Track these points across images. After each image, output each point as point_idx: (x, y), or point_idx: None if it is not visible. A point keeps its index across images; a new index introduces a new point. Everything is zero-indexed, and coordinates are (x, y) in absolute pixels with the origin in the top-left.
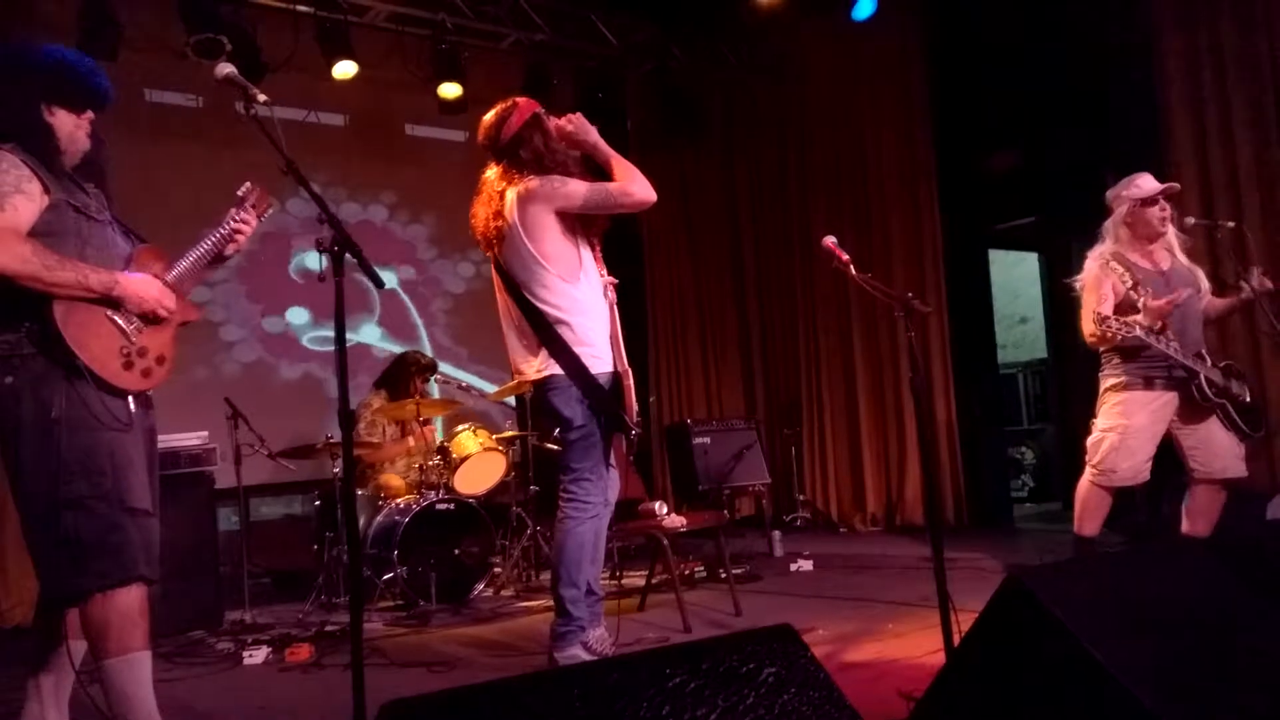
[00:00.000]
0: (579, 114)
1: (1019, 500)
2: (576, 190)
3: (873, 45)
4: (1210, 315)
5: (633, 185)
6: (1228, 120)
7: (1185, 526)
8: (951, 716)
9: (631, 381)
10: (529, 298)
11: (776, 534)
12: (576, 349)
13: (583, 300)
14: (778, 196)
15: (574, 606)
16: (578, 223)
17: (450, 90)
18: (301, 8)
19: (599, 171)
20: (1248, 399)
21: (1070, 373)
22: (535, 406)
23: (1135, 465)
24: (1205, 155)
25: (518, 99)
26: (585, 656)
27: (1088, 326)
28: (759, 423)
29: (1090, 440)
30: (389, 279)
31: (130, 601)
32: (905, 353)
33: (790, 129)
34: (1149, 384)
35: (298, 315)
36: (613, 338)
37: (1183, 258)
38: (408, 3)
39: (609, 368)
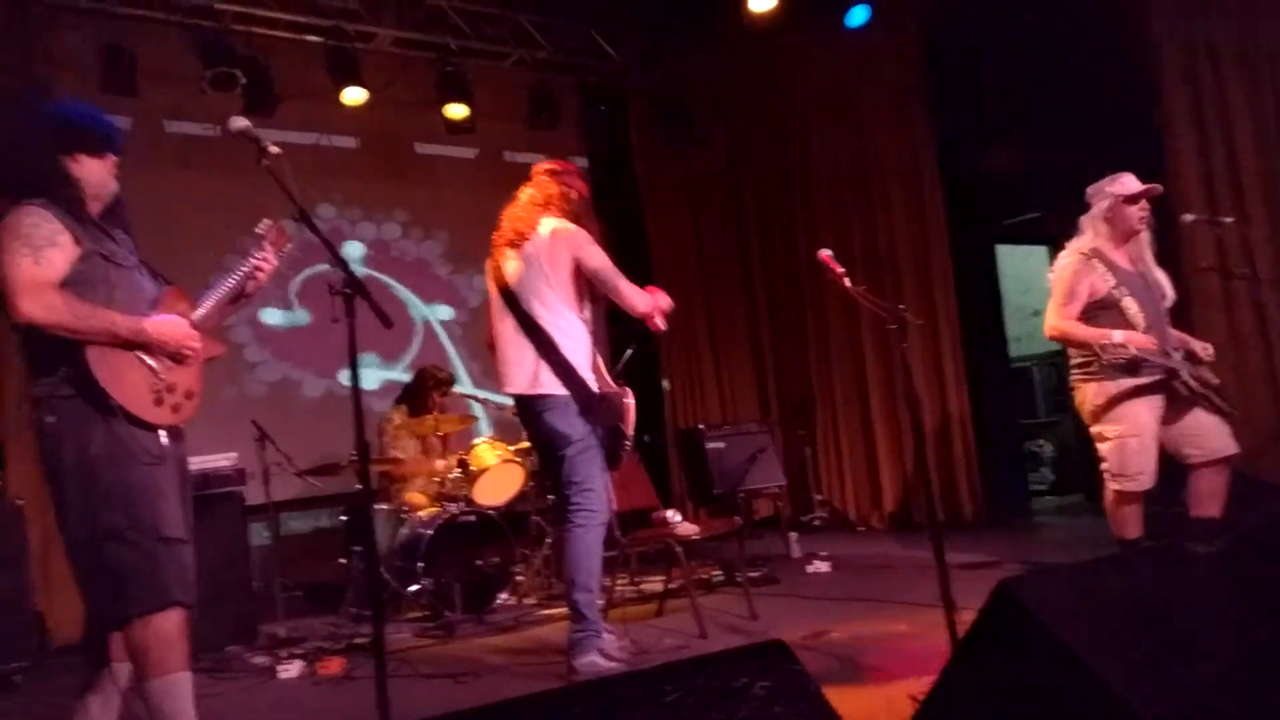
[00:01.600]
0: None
1: (1039, 494)
2: (596, 257)
3: (870, 47)
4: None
5: (635, 296)
6: (1228, 115)
7: (1196, 510)
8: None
9: (633, 400)
10: (533, 314)
11: (793, 536)
12: (574, 366)
13: (578, 330)
14: (782, 199)
15: (589, 610)
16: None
17: (457, 111)
18: (311, 38)
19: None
20: (1216, 381)
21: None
22: (525, 421)
23: (1154, 463)
24: (1207, 149)
25: (580, 171)
26: (603, 663)
27: (1051, 320)
28: (773, 424)
29: (1106, 449)
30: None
31: (168, 626)
32: (905, 358)
33: (792, 132)
34: (1137, 378)
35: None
36: (596, 367)
37: (1152, 263)
38: (412, 27)
39: (597, 389)
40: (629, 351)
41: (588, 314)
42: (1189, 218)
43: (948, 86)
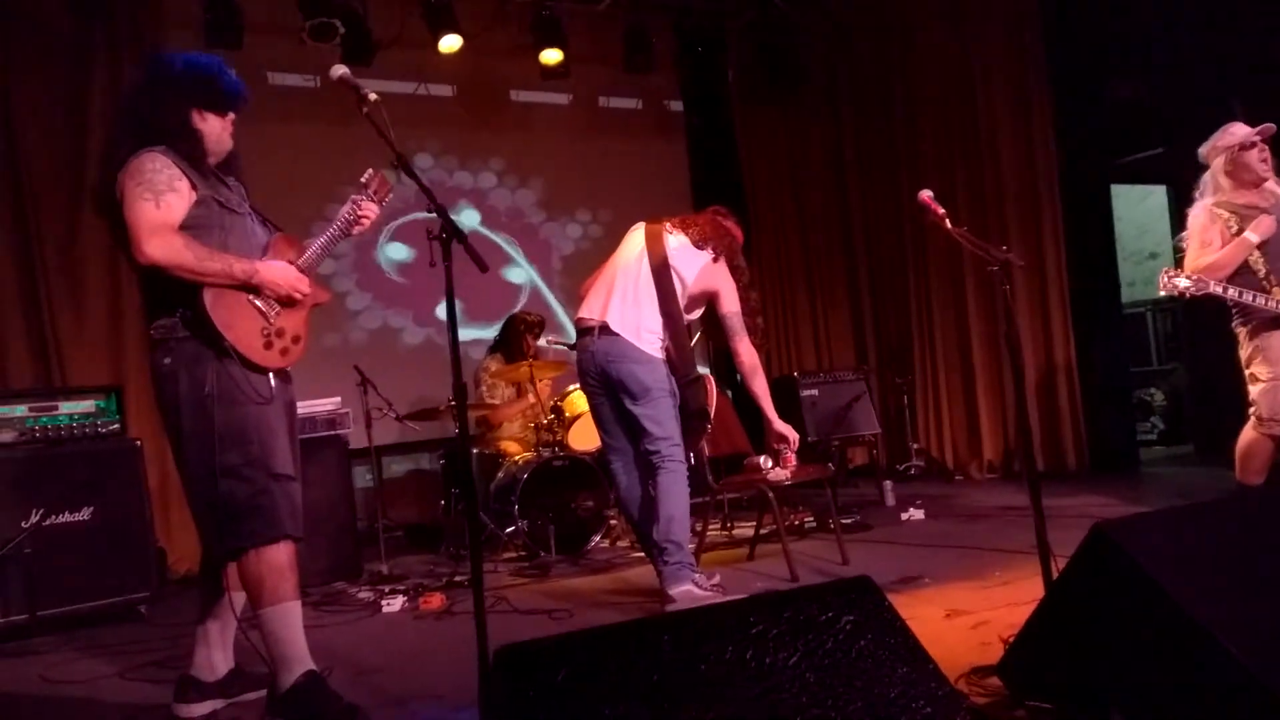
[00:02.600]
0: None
1: (1147, 443)
2: (734, 302)
3: None
4: None
5: (750, 355)
6: None
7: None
8: (1039, 661)
9: (713, 384)
10: (674, 291)
11: (889, 483)
12: (677, 349)
13: (682, 333)
14: (884, 139)
15: (680, 548)
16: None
17: (552, 56)
18: None
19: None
20: None
21: (1202, 311)
22: (606, 358)
23: None
24: None
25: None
26: (698, 591)
27: (1192, 266)
28: (868, 372)
29: (1257, 391)
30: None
31: (280, 557)
32: (1008, 302)
33: (894, 71)
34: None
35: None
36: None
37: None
38: None
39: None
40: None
41: (680, 329)
42: None
43: (1063, 13)
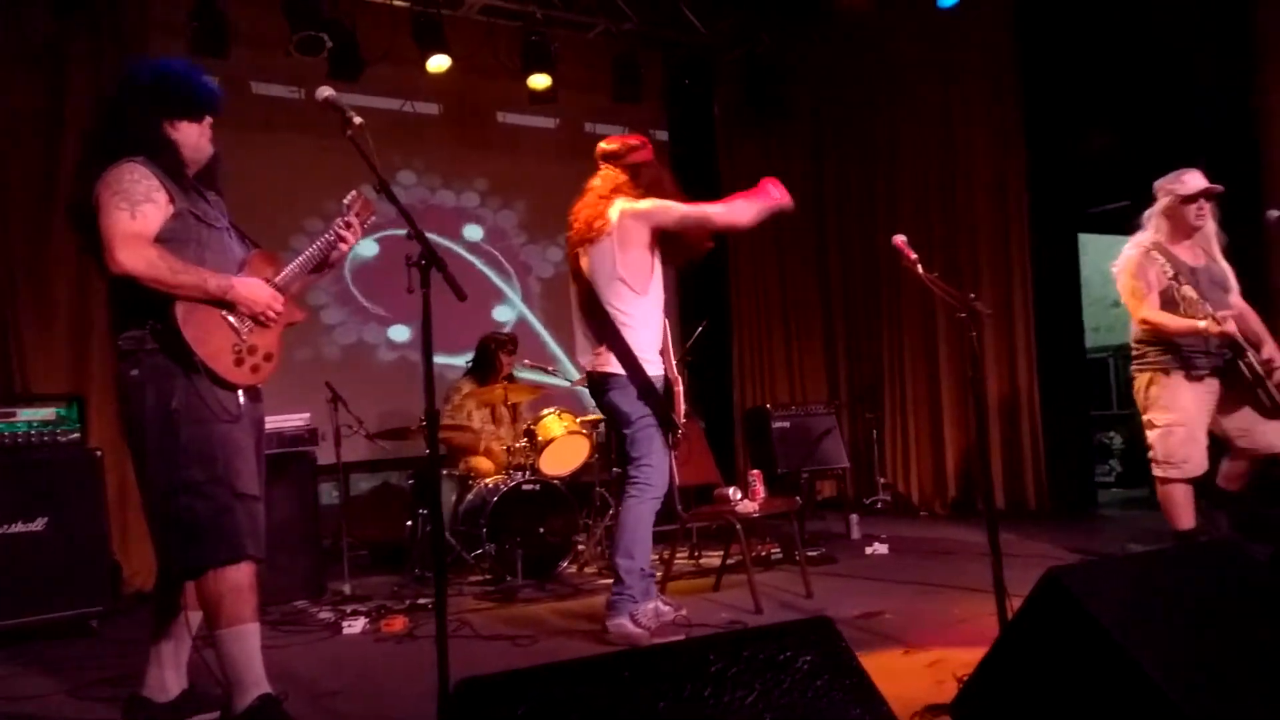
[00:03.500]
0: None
1: (1105, 486)
2: (673, 212)
3: (961, 26)
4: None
5: (735, 213)
6: None
7: (1222, 483)
8: (991, 703)
9: (681, 389)
10: (606, 306)
11: (854, 517)
12: (635, 352)
13: (646, 312)
14: (863, 179)
15: (628, 576)
16: (658, 244)
17: (539, 81)
18: (398, 3)
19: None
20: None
21: None
22: (592, 394)
23: (1202, 453)
24: None
25: (643, 139)
26: (630, 628)
27: (1142, 313)
28: (840, 406)
29: (1154, 436)
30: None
31: (240, 578)
32: (979, 343)
33: (878, 112)
34: (1190, 370)
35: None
36: (664, 350)
37: (1218, 256)
38: None
39: (660, 372)
40: (700, 329)
41: (659, 290)
42: (1274, 214)
43: (1039, 70)
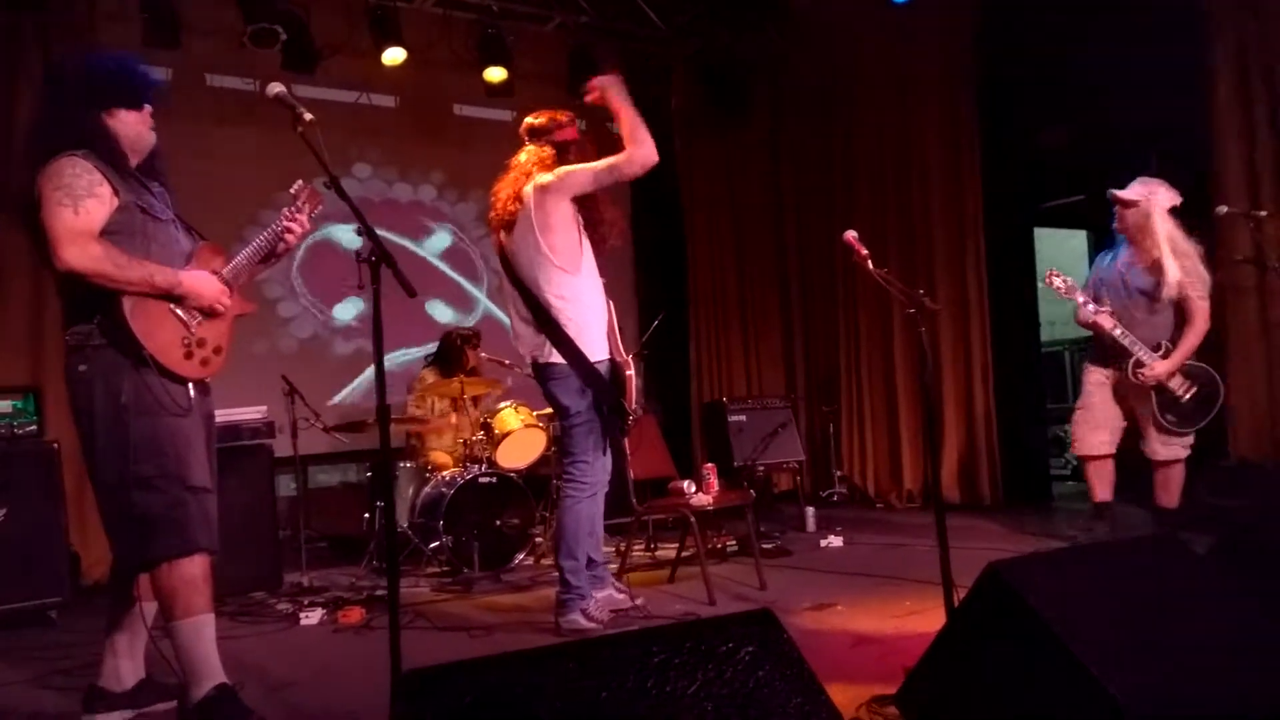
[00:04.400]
0: (615, 77)
1: (1061, 478)
2: (586, 175)
3: (917, 24)
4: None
5: (636, 153)
6: (1276, 106)
7: (1155, 498)
8: (935, 693)
9: (632, 372)
10: (531, 288)
11: (810, 510)
12: (575, 338)
13: (581, 292)
14: (821, 175)
15: (573, 576)
16: (581, 218)
17: (495, 74)
18: None
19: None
20: (1186, 398)
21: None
22: (537, 382)
23: (1099, 437)
24: (1253, 140)
25: (570, 115)
26: (584, 622)
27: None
28: (796, 400)
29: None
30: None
31: (193, 570)
32: (928, 339)
33: (836, 108)
34: (1096, 362)
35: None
36: (609, 330)
37: (1155, 263)
38: None
39: (605, 356)
40: (657, 321)
41: (593, 267)
42: (1223, 210)
43: (994, 66)
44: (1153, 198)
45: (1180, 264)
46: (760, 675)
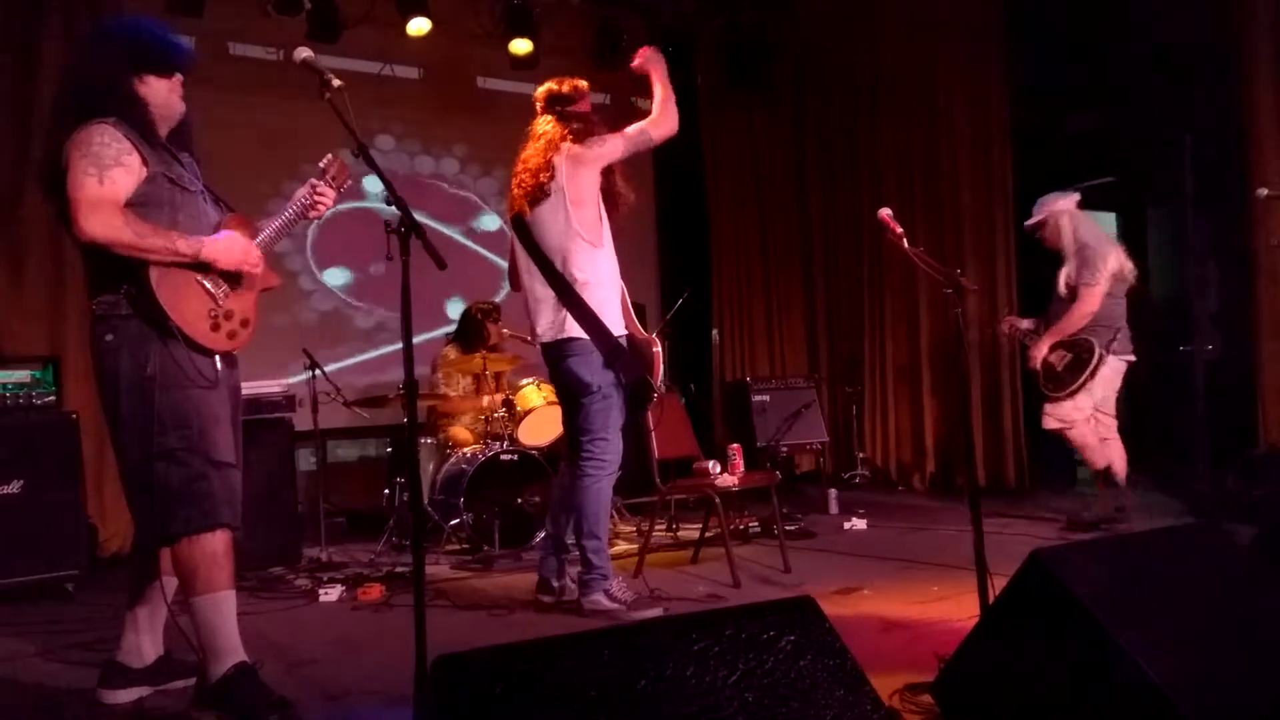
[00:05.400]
0: (654, 50)
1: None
2: (618, 142)
3: (948, 2)
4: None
5: (665, 121)
6: None
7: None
8: (973, 683)
9: (660, 349)
10: (556, 262)
11: (833, 492)
12: (598, 312)
13: (604, 268)
14: (847, 153)
15: (596, 556)
16: (604, 194)
17: (521, 46)
18: None
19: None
20: (1060, 368)
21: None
22: (548, 362)
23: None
24: None
25: (587, 85)
26: (606, 603)
27: None
28: (819, 380)
29: None
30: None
31: (215, 545)
32: (964, 319)
33: (862, 86)
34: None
35: (376, 268)
36: (625, 307)
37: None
38: None
39: (624, 331)
40: (682, 299)
41: (611, 243)
42: (1263, 192)
43: (1025, 44)
44: (1053, 210)
45: (1077, 255)
46: (802, 665)
